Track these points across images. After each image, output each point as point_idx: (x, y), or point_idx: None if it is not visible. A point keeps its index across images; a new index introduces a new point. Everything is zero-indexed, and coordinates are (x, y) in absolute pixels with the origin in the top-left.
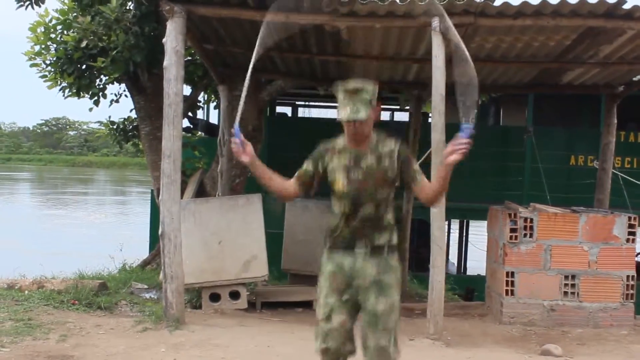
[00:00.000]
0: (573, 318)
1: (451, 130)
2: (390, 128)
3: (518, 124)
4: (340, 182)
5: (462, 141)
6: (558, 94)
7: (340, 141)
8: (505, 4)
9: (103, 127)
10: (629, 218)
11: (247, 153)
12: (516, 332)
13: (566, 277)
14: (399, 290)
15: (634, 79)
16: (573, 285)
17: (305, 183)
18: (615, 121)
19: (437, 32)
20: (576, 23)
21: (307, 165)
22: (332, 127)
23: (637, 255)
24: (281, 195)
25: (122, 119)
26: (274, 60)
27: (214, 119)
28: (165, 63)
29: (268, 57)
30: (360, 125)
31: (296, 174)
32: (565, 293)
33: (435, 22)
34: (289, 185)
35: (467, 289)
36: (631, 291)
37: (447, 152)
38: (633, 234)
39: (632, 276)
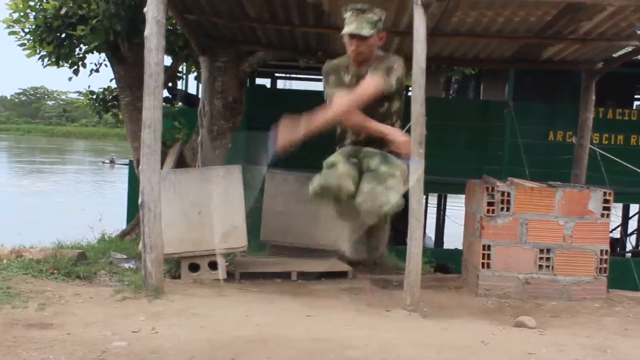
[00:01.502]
0: (547, 291)
1: (430, 104)
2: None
3: (498, 99)
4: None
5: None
6: (538, 70)
7: (344, 60)
8: None
9: (82, 97)
10: (604, 193)
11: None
12: (491, 304)
13: (541, 251)
14: (401, 176)
15: (614, 55)
16: (548, 259)
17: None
18: (594, 98)
19: (418, 6)
20: None
21: (333, 77)
22: (312, 100)
23: (611, 231)
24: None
25: (102, 89)
26: (256, 31)
27: (192, 89)
28: (146, 33)
29: (249, 28)
30: (362, 43)
31: (329, 94)
32: (540, 266)
33: None
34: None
35: (440, 265)
36: (604, 265)
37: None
38: (608, 209)
39: (606, 250)
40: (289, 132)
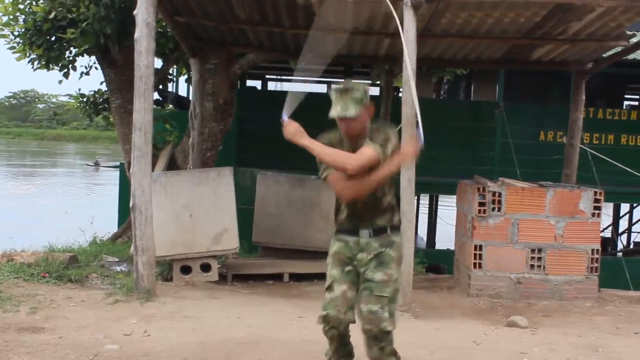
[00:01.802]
0: (539, 291)
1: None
2: None
3: (489, 99)
4: (337, 172)
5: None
6: (529, 71)
7: (338, 134)
8: None
9: (73, 100)
10: (595, 193)
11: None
12: (483, 304)
13: (533, 251)
14: (398, 267)
15: (603, 55)
16: (539, 259)
17: None
18: (584, 98)
19: (408, 7)
20: None
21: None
22: (303, 101)
23: (602, 231)
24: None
25: (92, 92)
26: (246, 33)
27: (183, 91)
28: (136, 35)
29: (240, 30)
30: (351, 122)
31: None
32: (532, 266)
33: None
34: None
35: (432, 265)
36: (596, 264)
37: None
38: (599, 208)
39: (597, 250)
40: (294, 133)
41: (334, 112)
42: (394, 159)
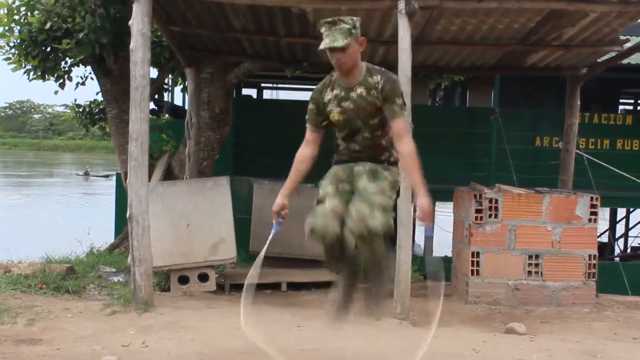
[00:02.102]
0: (537, 297)
1: (417, 112)
2: None
3: (484, 105)
4: (334, 112)
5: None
6: (524, 76)
7: (333, 76)
8: None
9: (69, 110)
10: (592, 198)
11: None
12: (481, 311)
13: (530, 257)
14: (391, 187)
15: (598, 60)
16: (537, 265)
17: (318, 123)
18: (579, 103)
19: (403, 15)
20: (539, 6)
21: (311, 105)
22: (300, 109)
23: (599, 236)
24: (304, 160)
25: (88, 102)
26: (241, 42)
27: (178, 101)
28: (131, 46)
29: (235, 40)
30: (341, 54)
31: (307, 120)
32: (529, 272)
33: (402, 5)
34: (305, 149)
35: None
36: (593, 270)
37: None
38: (595, 214)
39: (594, 255)
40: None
41: (323, 44)
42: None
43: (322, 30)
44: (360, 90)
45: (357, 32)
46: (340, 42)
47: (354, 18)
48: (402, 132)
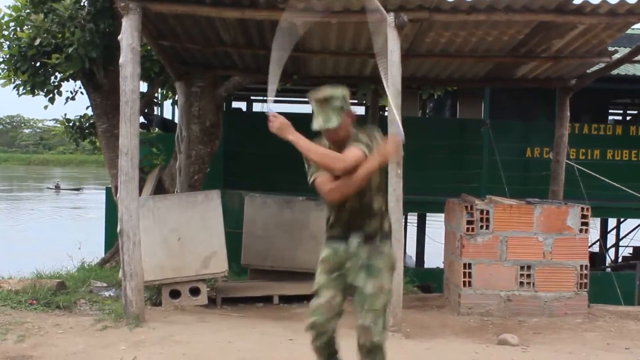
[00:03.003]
0: (529, 308)
1: (407, 124)
2: None
3: (475, 117)
4: (324, 175)
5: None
6: (514, 87)
7: (322, 140)
8: (459, 0)
9: (59, 125)
10: (582, 209)
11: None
12: (474, 322)
13: (522, 268)
14: (389, 275)
15: (587, 71)
16: (529, 276)
17: None
18: (568, 114)
19: (392, 28)
20: (528, 18)
21: (317, 169)
22: (290, 122)
23: (590, 246)
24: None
25: (79, 117)
26: (231, 56)
27: (168, 114)
28: (121, 60)
29: (225, 53)
30: (334, 132)
31: (325, 179)
32: (521, 283)
33: (391, 18)
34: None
35: (423, 285)
36: (585, 280)
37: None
38: (586, 224)
39: (586, 265)
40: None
41: (317, 124)
42: (377, 154)
43: (313, 106)
44: None
45: (347, 106)
46: (334, 123)
47: (342, 91)
48: (346, 152)
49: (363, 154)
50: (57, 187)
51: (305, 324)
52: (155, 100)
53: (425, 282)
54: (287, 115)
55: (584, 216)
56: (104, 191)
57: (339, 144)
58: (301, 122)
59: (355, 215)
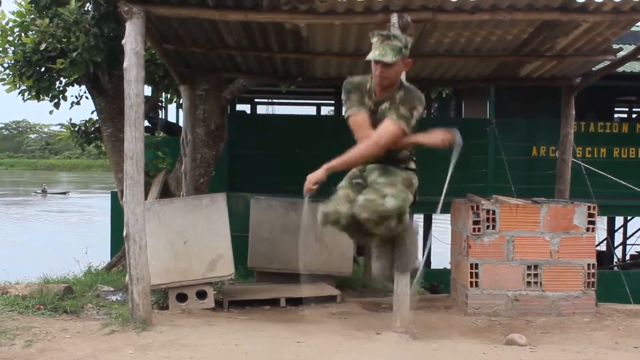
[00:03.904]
0: (536, 307)
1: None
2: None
3: (480, 116)
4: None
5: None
6: (519, 86)
7: (365, 81)
8: (463, 0)
9: (64, 130)
10: (589, 207)
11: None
12: (481, 322)
13: (529, 267)
14: (405, 183)
15: (592, 69)
16: (536, 275)
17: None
18: (574, 112)
19: (395, 29)
20: (532, 17)
21: (356, 95)
22: (294, 124)
23: (597, 245)
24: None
25: (84, 121)
26: (235, 59)
27: (172, 117)
28: (125, 64)
29: (229, 56)
30: (385, 68)
31: (360, 122)
32: (529, 283)
33: (394, 18)
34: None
35: (432, 285)
36: (592, 279)
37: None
38: (593, 222)
39: (593, 264)
40: (313, 176)
41: (372, 54)
42: (419, 137)
43: (374, 40)
44: (385, 105)
45: (406, 52)
46: (389, 58)
47: (407, 37)
48: (382, 130)
49: (399, 128)
50: (44, 192)
51: (319, 216)
52: (160, 104)
53: (432, 282)
54: (292, 117)
55: (590, 215)
56: (92, 194)
57: (382, 89)
58: (304, 124)
59: (385, 160)
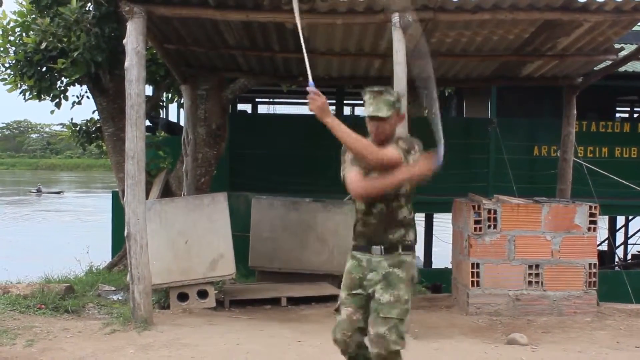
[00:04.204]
0: (538, 307)
1: (414, 124)
2: (352, 123)
3: (481, 116)
4: (354, 171)
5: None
6: (521, 86)
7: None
8: None
9: (65, 130)
10: (590, 207)
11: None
12: (482, 322)
13: (530, 267)
14: (408, 287)
15: (594, 68)
16: (537, 275)
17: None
18: (575, 112)
19: (397, 28)
20: (533, 16)
21: (349, 165)
22: (295, 124)
23: (599, 245)
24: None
25: (85, 121)
26: (236, 58)
27: (173, 117)
28: (126, 64)
29: (230, 56)
30: (381, 123)
31: (353, 174)
32: (530, 282)
33: (396, 18)
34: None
35: (434, 285)
36: (593, 279)
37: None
38: (594, 222)
39: (594, 264)
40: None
41: (367, 111)
42: (413, 168)
43: (366, 98)
44: None
45: (399, 105)
46: (384, 113)
47: (398, 92)
48: (384, 150)
49: (399, 156)
50: (39, 191)
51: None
52: (161, 103)
53: (433, 282)
54: (292, 117)
55: (592, 214)
56: (87, 194)
57: (380, 142)
58: (308, 124)
59: (382, 222)
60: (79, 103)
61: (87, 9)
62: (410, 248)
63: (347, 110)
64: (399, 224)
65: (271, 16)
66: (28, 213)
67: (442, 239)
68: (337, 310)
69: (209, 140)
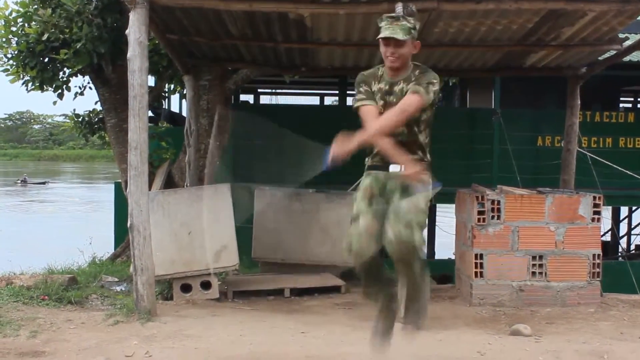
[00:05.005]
0: (541, 298)
1: None
2: (355, 114)
3: (485, 106)
4: (378, 105)
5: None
6: (524, 76)
7: (376, 70)
8: None
9: (68, 120)
10: (594, 198)
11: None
12: (486, 313)
13: (534, 258)
14: (425, 200)
15: (598, 58)
16: (541, 266)
17: (374, 99)
18: (579, 102)
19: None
20: (538, 6)
21: (363, 87)
22: (298, 114)
23: (602, 235)
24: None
25: (87, 112)
26: (239, 49)
27: (175, 107)
28: (129, 54)
29: (233, 46)
30: (396, 47)
31: (362, 101)
32: (533, 273)
33: (399, 8)
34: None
35: (443, 275)
36: (597, 270)
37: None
38: (598, 213)
39: (598, 255)
40: (341, 145)
41: (382, 34)
42: (424, 97)
43: (383, 23)
44: (402, 85)
45: (415, 33)
46: (400, 35)
47: (416, 19)
48: (408, 100)
49: (421, 98)
50: (25, 181)
51: (344, 247)
52: (164, 94)
53: (436, 273)
54: (295, 107)
55: (595, 205)
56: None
57: (394, 71)
58: (308, 114)
59: (402, 144)
60: (82, 94)
61: None
62: (427, 168)
63: (349, 101)
64: (418, 147)
65: (274, 6)
66: (16, 204)
67: (445, 229)
68: (354, 221)
69: (211, 131)
